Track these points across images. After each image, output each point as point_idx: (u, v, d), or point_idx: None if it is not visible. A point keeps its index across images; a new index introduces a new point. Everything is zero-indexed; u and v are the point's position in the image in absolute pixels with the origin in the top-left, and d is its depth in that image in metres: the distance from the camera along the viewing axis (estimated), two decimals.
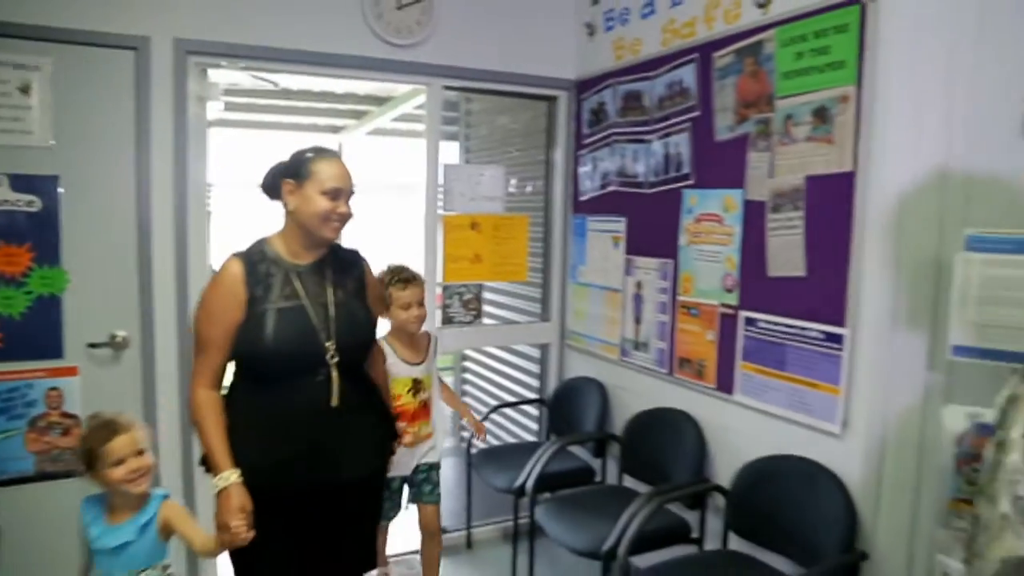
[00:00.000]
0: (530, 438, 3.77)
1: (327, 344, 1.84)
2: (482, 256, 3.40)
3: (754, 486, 2.35)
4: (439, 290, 3.30)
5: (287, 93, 4.90)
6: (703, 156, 2.70)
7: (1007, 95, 1.16)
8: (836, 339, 2.17)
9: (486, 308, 3.82)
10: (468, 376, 4.86)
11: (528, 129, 3.84)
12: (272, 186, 1.92)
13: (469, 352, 4.76)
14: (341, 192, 1.84)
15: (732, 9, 2.54)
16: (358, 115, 5.67)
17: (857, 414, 2.12)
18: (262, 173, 1.96)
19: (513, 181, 3.66)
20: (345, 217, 1.86)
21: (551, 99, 3.53)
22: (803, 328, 2.29)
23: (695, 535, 2.57)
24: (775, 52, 2.36)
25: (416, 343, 2.70)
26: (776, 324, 2.39)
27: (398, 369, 2.59)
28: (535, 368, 3.80)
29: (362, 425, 1.96)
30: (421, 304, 2.62)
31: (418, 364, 2.66)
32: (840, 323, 2.16)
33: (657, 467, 2.78)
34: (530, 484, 2.79)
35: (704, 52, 2.66)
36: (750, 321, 2.49)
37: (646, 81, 2.98)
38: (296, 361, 1.83)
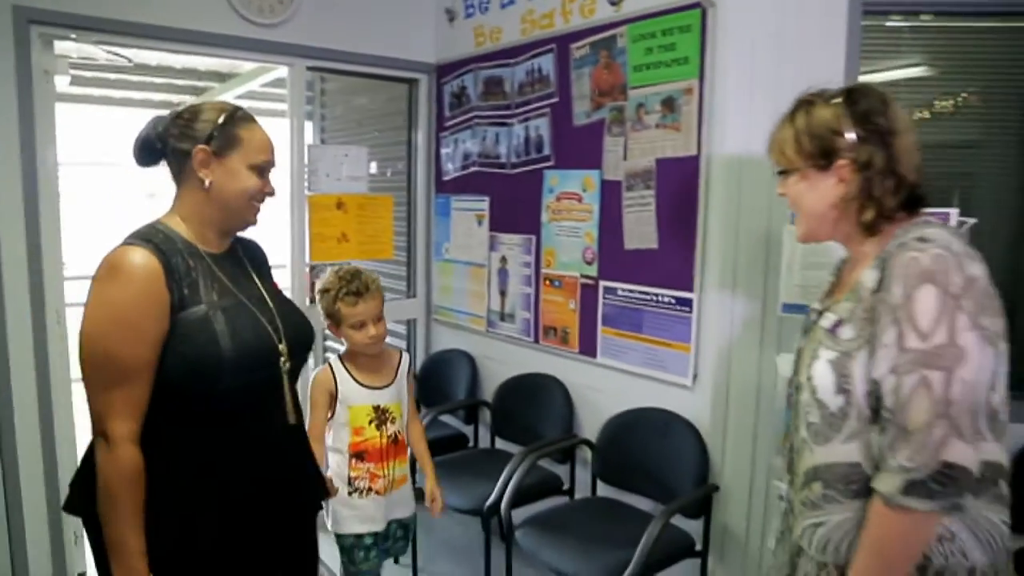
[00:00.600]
0: None
1: (280, 347, 1.48)
2: (348, 235, 3.44)
3: (617, 437, 2.63)
4: (307, 270, 3.31)
5: (120, 67, 4.60)
6: (562, 139, 2.92)
7: (823, 86, 1.41)
8: (686, 303, 2.47)
9: None
10: (331, 356, 4.83)
11: (385, 110, 3.89)
12: (158, 151, 1.46)
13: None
14: (269, 166, 1.50)
15: (587, 4, 2.76)
16: (197, 91, 5.41)
17: (705, 367, 2.43)
18: (135, 133, 1.48)
19: (374, 162, 3.71)
20: (268, 197, 1.52)
21: (412, 82, 3.62)
22: (657, 295, 2.57)
23: (566, 487, 2.81)
24: (627, 47, 2.60)
25: (380, 363, 2.23)
26: (633, 292, 2.66)
27: (356, 395, 2.15)
28: (401, 344, 3.90)
29: (307, 445, 1.65)
30: (379, 319, 2.16)
31: (382, 388, 2.19)
32: (689, 288, 2.46)
33: (528, 428, 2.99)
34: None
35: (562, 43, 2.87)
36: (609, 290, 2.75)
37: (507, 68, 3.15)
38: (255, 375, 1.43)
